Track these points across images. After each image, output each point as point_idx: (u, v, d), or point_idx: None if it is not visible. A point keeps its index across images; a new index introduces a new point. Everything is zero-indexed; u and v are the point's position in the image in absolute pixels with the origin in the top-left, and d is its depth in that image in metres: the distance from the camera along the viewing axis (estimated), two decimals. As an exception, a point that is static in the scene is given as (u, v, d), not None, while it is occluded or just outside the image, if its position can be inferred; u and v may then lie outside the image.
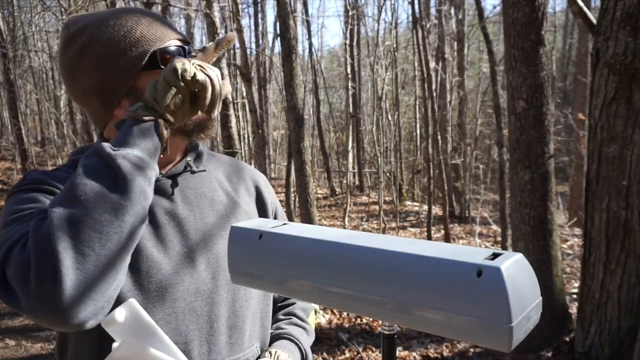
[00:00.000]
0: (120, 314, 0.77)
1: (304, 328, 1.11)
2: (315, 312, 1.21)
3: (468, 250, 0.55)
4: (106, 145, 0.77)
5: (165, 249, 0.92)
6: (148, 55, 0.91)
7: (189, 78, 0.81)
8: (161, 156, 0.85)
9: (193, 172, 1.01)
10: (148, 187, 0.78)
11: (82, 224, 0.70)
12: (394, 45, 8.78)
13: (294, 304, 1.16)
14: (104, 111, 0.94)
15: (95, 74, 0.90)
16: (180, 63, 0.81)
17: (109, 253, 0.72)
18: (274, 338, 1.06)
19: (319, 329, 4.33)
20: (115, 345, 0.77)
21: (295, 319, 1.12)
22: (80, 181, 0.74)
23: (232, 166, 1.13)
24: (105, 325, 0.77)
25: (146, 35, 0.92)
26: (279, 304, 1.16)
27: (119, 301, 0.81)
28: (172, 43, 0.94)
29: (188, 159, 1.01)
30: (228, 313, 0.96)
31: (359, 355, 3.98)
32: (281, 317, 1.13)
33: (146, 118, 0.81)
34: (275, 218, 1.14)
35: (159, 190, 0.96)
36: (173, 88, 0.81)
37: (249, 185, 1.11)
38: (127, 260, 0.77)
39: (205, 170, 1.04)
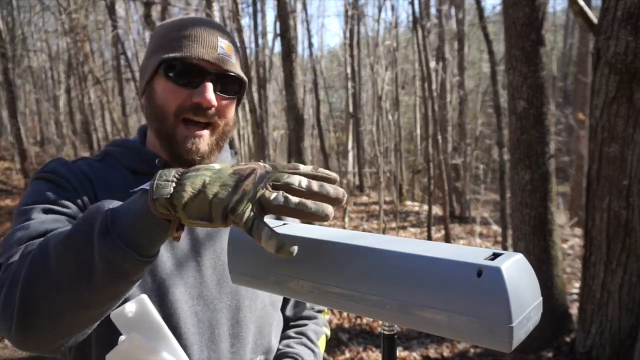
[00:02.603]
0: (130, 308, 0.75)
1: (313, 351, 1.08)
2: (327, 337, 1.17)
3: (468, 250, 0.55)
4: (107, 241, 0.64)
5: (172, 249, 0.92)
6: (159, 61, 0.91)
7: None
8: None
9: None
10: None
11: (45, 294, 0.68)
12: (394, 45, 8.78)
13: (306, 325, 1.13)
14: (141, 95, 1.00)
15: (143, 61, 0.98)
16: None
17: (60, 324, 0.71)
18: (281, 356, 1.03)
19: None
20: (121, 339, 0.76)
21: (305, 340, 1.09)
22: (64, 252, 0.67)
23: None
24: (114, 318, 0.76)
25: (173, 43, 0.91)
26: (292, 323, 1.14)
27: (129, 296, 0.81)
28: (189, 56, 0.89)
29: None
30: (230, 322, 0.95)
31: (359, 356, 3.98)
32: (292, 334, 1.10)
33: (161, 217, 0.63)
34: None
35: None
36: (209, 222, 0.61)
37: None
38: (85, 324, 0.74)
39: None
